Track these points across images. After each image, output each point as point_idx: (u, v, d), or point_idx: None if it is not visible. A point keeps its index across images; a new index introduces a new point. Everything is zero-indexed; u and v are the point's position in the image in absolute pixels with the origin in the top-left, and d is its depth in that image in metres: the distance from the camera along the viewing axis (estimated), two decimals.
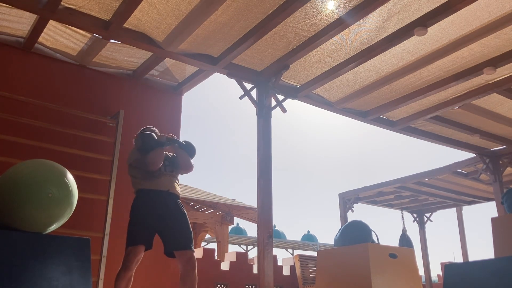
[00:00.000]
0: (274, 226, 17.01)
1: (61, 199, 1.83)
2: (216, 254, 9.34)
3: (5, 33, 4.06)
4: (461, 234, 10.03)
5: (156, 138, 3.45)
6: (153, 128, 3.67)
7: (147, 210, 3.30)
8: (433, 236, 25.85)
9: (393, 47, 4.15)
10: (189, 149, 3.60)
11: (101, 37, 3.98)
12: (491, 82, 4.81)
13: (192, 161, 3.60)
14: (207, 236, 14.03)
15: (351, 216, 9.32)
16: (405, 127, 5.96)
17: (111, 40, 4.09)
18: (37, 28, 3.88)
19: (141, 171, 3.39)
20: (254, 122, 4.59)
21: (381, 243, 3.73)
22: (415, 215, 10.50)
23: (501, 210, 6.58)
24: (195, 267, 3.22)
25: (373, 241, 3.71)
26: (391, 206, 10.12)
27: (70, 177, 1.91)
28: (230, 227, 12.94)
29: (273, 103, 4.63)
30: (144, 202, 3.33)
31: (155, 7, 3.62)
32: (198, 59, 4.30)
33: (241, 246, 18.05)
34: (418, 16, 3.74)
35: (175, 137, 3.63)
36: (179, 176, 3.65)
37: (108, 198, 4.07)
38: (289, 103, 4.78)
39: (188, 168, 3.56)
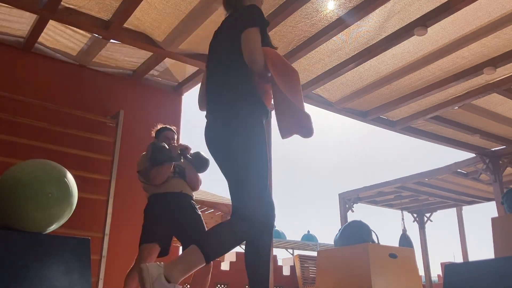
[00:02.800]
0: (274, 226, 16.95)
1: (61, 199, 1.83)
2: None
3: (5, 33, 4.06)
4: (461, 234, 10.03)
5: (167, 150, 3.27)
6: (171, 129, 3.54)
7: (161, 213, 3.21)
8: (433, 236, 25.83)
9: (393, 47, 4.15)
10: (199, 164, 3.43)
11: (101, 37, 3.98)
12: (491, 82, 4.81)
13: (200, 178, 3.45)
14: None
15: (351, 216, 9.33)
16: (405, 127, 5.96)
17: (111, 40, 4.09)
18: (37, 28, 3.88)
19: None
20: None
21: (381, 243, 3.73)
22: (415, 215, 10.49)
23: (501, 210, 6.58)
24: (210, 272, 3.18)
25: (373, 241, 3.71)
26: (391, 206, 10.12)
27: (70, 177, 1.91)
28: None
29: None
30: (158, 206, 3.25)
31: (155, 7, 3.62)
32: (198, 59, 4.30)
33: (241, 246, 18.04)
34: (418, 16, 3.74)
35: (189, 148, 3.45)
36: None
37: (108, 198, 4.07)
38: None
39: (194, 187, 3.43)
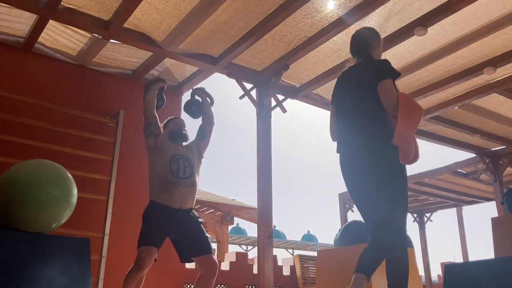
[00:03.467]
0: (274, 226, 16.99)
1: (61, 199, 1.83)
2: (216, 254, 9.35)
3: (5, 33, 4.06)
4: (461, 234, 10.03)
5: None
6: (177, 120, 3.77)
7: (160, 222, 3.20)
8: (433, 236, 25.83)
9: (393, 47, 4.15)
10: (210, 97, 3.76)
11: (101, 37, 3.98)
12: (491, 82, 4.82)
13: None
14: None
15: (351, 216, 9.31)
16: None
17: (111, 40, 4.09)
18: (37, 28, 3.87)
19: (157, 180, 3.27)
20: (254, 122, 4.60)
21: None
22: (415, 215, 10.49)
23: (501, 210, 6.58)
24: (216, 274, 3.21)
25: None
26: None
27: (70, 177, 1.92)
28: (230, 227, 12.94)
29: (273, 103, 4.64)
30: (156, 215, 3.23)
31: (155, 7, 3.62)
32: (198, 59, 4.30)
33: (241, 246, 18.05)
34: (418, 16, 3.74)
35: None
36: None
37: (108, 198, 4.07)
38: (289, 103, 4.78)
39: (212, 121, 3.71)
